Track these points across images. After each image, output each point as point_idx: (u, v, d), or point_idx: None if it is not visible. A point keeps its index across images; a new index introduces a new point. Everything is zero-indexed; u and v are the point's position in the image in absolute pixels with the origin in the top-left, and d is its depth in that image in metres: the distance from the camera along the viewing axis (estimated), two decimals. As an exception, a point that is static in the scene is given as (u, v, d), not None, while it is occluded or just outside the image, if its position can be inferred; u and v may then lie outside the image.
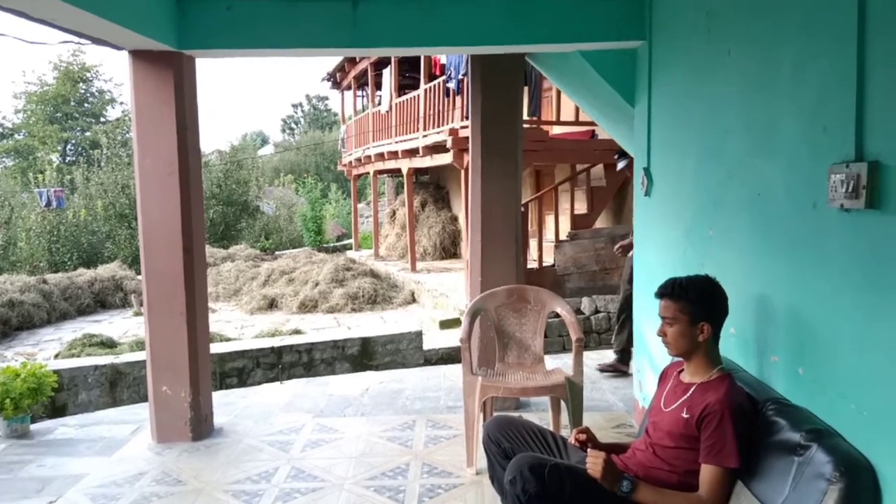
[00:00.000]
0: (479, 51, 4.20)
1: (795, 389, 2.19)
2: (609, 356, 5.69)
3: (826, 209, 1.97)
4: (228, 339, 8.44)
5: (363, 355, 7.36)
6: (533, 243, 8.78)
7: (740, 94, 2.63)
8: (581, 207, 9.09)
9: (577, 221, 8.74)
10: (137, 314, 11.43)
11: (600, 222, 9.12)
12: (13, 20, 2.97)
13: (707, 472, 2.14)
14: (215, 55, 3.99)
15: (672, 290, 2.29)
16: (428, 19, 3.74)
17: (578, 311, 7.98)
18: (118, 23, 3.18)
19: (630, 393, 4.72)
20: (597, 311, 8.05)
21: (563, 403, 3.61)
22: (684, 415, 2.23)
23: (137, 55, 3.83)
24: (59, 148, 30.29)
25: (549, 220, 9.06)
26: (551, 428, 3.60)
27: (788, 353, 2.25)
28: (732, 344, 2.63)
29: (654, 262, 3.74)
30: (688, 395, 2.27)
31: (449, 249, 14.23)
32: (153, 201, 3.92)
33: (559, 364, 4.40)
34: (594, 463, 2.16)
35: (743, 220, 2.60)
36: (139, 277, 9.78)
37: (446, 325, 8.99)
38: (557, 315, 3.92)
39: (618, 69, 4.01)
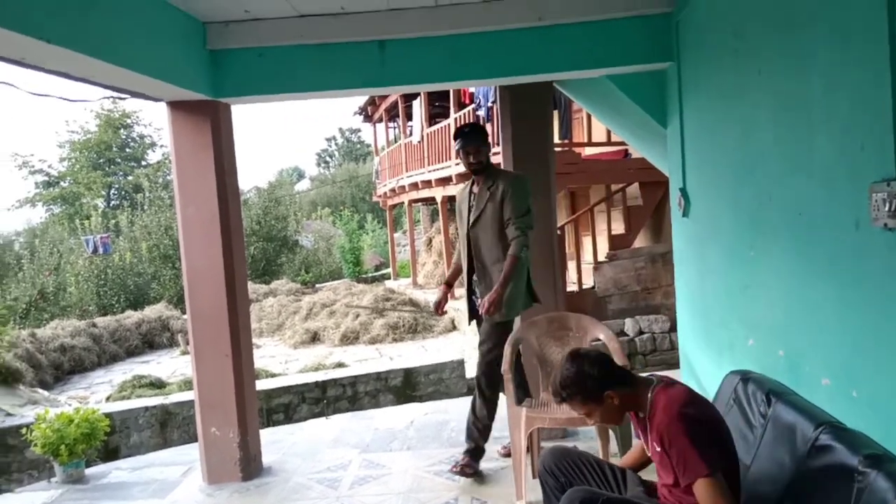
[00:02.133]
0: (506, 82, 4.24)
1: (850, 413, 2.13)
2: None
3: (869, 228, 1.93)
4: (274, 375, 8.54)
5: (406, 386, 7.37)
6: (571, 265, 8.73)
7: (773, 113, 2.60)
8: (618, 227, 9.02)
9: (615, 242, 8.68)
10: (184, 353, 11.64)
11: (639, 242, 9.03)
12: (55, 79, 3.10)
13: (696, 490, 2.09)
14: (250, 101, 4.09)
15: (564, 395, 2.31)
16: (453, 55, 3.78)
17: (622, 333, 7.88)
18: (155, 77, 3.29)
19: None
20: (641, 333, 7.94)
21: (611, 431, 3.55)
22: (658, 449, 2.20)
23: (175, 105, 3.95)
24: (103, 193, 31.18)
25: (587, 241, 9.01)
26: (600, 456, 3.54)
27: (840, 376, 2.19)
28: (782, 366, 2.58)
29: (695, 282, 3.69)
30: (649, 431, 2.24)
31: (487, 274, 14.20)
32: (196, 247, 4.01)
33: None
34: None
35: (784, 240, 2.56)
36: (185, 317, 9.96)
37: (488, 351, 8.94)
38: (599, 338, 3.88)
39: (647, 91, 4.00)
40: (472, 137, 3.92)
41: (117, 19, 2.90)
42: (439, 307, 4.27)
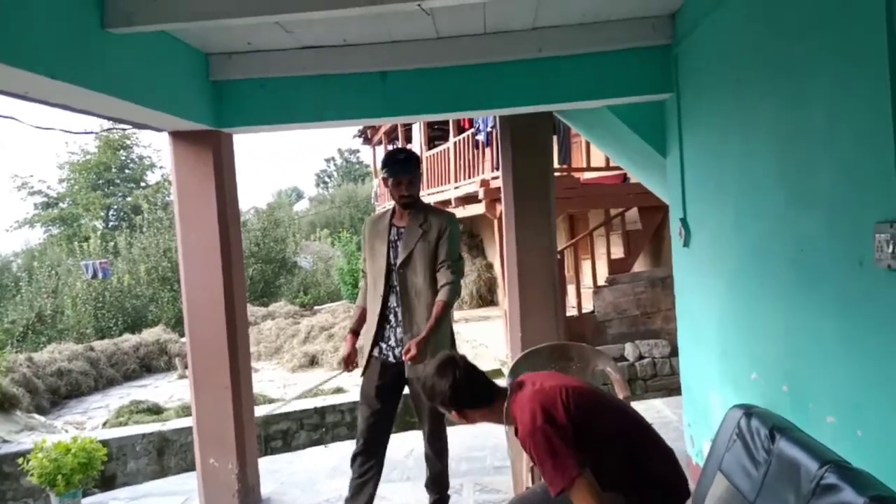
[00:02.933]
0: (506, 112, 4.27)
1: (856, 451, 2.11)
2: (656, 406, 5.56)
3: (874, 268, 1.92)
4: (272, 400, 8.49)
5: (406, 412, 7.31)
6: (571, 289, 8.72)
7: (774, 146, 2.61)
8: (617, 252, 9.02)
9: (614, 266, 8.67)
10: (182, 377, 11.58)
11: (638, 266, 9.03)
12: (58, 111, 3.11)
13: (571, 499, 2.15)
14: (251, 131, 4.11)
15: (425, 398, 2.50)
16: (454, 86, 3.81)
17: (622, 358, 7.85)
18: (159, 109, 3.30)
19: (682, 447, 4.60)
20: (641, 357, 7.91)
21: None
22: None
23: (177, 135, 3.96)
24: (102, 214, 31.19)
25: (586, 265, 9.01)
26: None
27: (845, 414, 2.18)
28: (786, 402, 2.56)
29: (697, 314, 3.68)
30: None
31: (486, 297, 14.20)
32: (197, 277, 4.01)
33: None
34: None
35: (788, 274, 2.55)
36: (183, 340, 9.89)
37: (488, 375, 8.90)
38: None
39: (647, 121, 4.02)
40: (407, 166, 3.58)
41: (122, 54, 2.91)
42: (349, 362, 3.72)
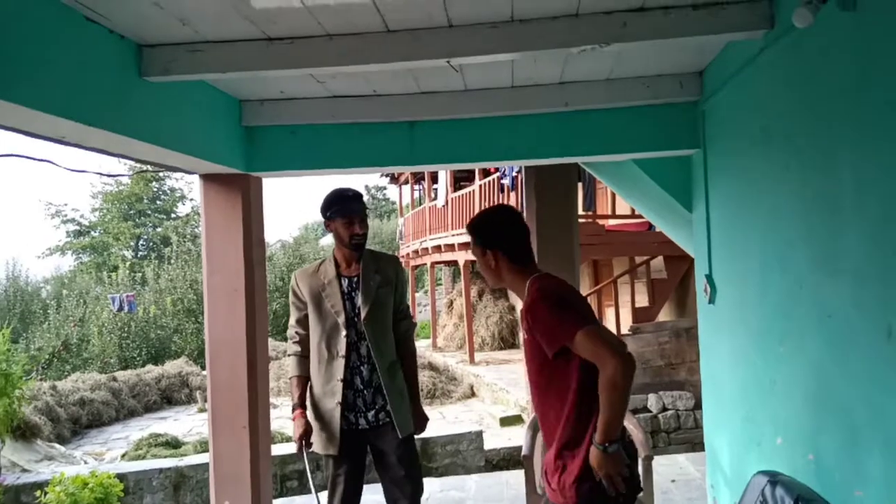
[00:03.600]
0: (532, 163, 4.30)
1: (885, 529, 2.05)
2: (679, 462, 5.45)
3: (903, 341, 1.89)
4: (289, 439, 8.45)
5: (423, 456, 7.24)
6: (593, 337, 8.63)
7: (801, 208, 2.58)
8: (642, 300, 8.95)
9: (638, 315, 8.60)
10: (202, 410, 11.60)
11: (663, 315, 8.94)
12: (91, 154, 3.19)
13: (577, 347, 2.19)
14: (281, 175, 4.18)
15: (468, 227, 2.57)
16: (480, 137, 3.85)
17: (645, 409, 7.72)
18: (192, 154, 3.37)
19: (703, 505, 4.49)
20: (664, 409, 7.78)
21: None
22: (526, 337, 2.34)
23: (208, 178, 4.03)
24: (131, 244, 31.76)
25: (610, 313, 8.94)
26: None
27: (876, 490, 2.11)
28: (811, 471, 2.49)
29: (722, 373, 3.62)
30: (522, 319, 2.38)
31: (507, 339, 14.13)
32: (220, 317, 4.04)
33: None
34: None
35: (814, 339, 2.50)
36: (204, 373, 9.95)
37: (507, 422, 8.82)
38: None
39: (672, 175, 4.02)
40: (360, 202, 3.36)
41: (158, 101, 2.99)
42: (305, 440, 3.38)
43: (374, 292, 3.31)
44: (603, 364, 2.16)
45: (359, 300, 3.30)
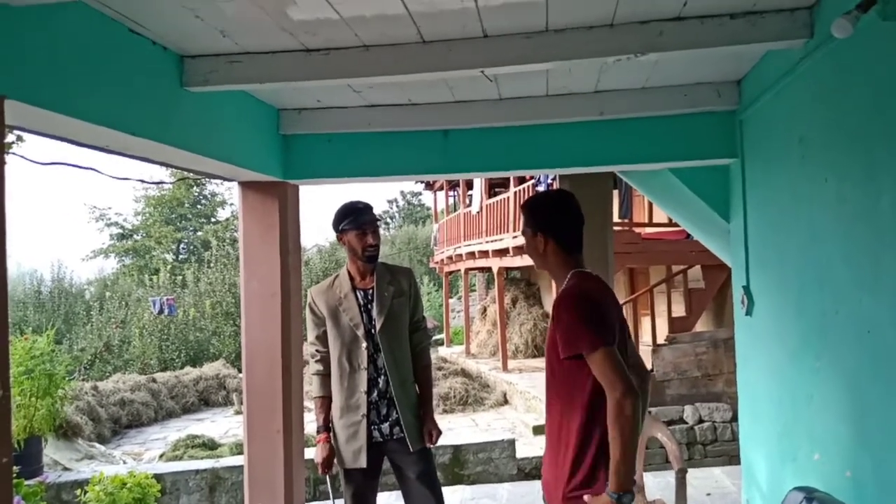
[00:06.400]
0: (567, 172, 4.29)
1: (926, 551, 2.00)
2: (714, 475, 5.36)
3: (945, 359, 1.84)
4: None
5: (455, 464, 7.24)
6: (628, 347, 8.56)
7: (840, 224, 2.54)
8: (679, 310, 8.84)
9: (675, 324, 8.49)
10: (238, 412, 11.78)
11: (700, 325, 8.82)
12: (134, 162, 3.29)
13: (591, 363, 2.13)
14: (318, 182, 4.24)
15: (523, 208, 2.54)
16: (514, 145, 3.85)
17: (681, 420, 7.62)
18: (231, 162, 3.44)
19: (739, 521, 4.41)
20: (701, 421, 7.66)
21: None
22: (551, 324, 2.32)
23: (246, 185, 4.11)
24: (172, 247, 32.38)
25: (646, 322, 8.84)
26: None
27: (915, 510, 2.06)
28: (848, 488, 2.44)
29: (758, 386, 3.56)
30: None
31: (541, 347, 14.03)
32: (256, 322, 4.10)
33: (661, 483, 4.19)
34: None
35: (853, 355, 2.45)
36: (241, 376, 10.15)
37: (539, 430, 8.76)
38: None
39: (710, 184, 3.97)
40: (370, 213, 3.39)
41: (198, 110, 3.06)
42: (328, 464, 3.49)
43: (389, 303, 3.34)
44: (610, 389, 2.11)
45: (374, 312, 3.34)
